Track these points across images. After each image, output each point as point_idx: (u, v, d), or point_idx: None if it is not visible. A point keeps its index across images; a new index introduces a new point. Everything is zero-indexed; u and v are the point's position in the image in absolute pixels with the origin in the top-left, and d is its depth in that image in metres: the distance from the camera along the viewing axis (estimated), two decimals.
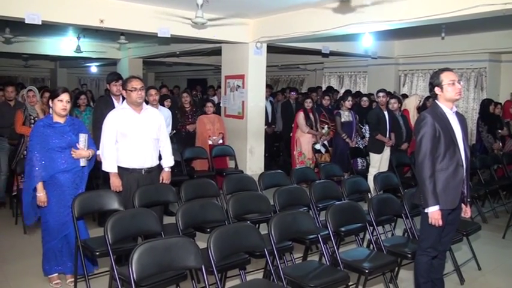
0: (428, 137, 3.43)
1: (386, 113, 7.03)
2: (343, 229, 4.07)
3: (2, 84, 7.32)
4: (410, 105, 7.96)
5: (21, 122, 5.86)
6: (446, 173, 3.46)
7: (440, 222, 3.41)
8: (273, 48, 9.16)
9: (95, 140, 4.45)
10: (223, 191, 4.80)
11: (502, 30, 8.62)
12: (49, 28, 7.50)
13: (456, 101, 3.65)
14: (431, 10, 5.57)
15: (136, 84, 4.25)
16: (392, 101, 7.26)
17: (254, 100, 8.38)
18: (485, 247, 5.39)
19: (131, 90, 4.24)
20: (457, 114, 3.63)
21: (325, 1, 6.12)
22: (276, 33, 7.72)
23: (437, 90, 3.55)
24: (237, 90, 8.47)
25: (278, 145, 9.92)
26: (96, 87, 18.10)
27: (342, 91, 11.23)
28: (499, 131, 8.25)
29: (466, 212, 3.75)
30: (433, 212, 3.40)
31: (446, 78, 3.51)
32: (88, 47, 11.36)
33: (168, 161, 4.58)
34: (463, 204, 3.67)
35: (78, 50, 10.69)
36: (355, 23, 6.34)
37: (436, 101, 3.60)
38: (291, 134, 8.29)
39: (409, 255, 3.83)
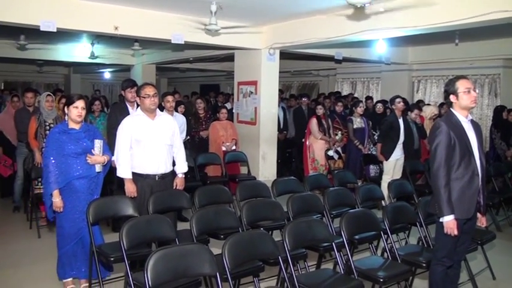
0: (443, 146, 3.41)
1: (401, 120, 6.99)
2: (357, 237, 4.05)
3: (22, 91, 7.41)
4: (426, 113, 7.92)
5: (33, 131, 5.89)
6: (462, 182, 3.44)
7: (456, 232, 3.38)
8: (285, 54, 9.17)
9: (109, 146, 4.49)
10: (236, 198, 4.80)
11: None
12: (63, 34, 7.58)
13: (471, 109, 3.63)
14: (445, 17, 5.53)
15: (149, 90, 4.30)
16: (414, 113, 7.39)
17: (267, 106, 8.39)
18: (499, 256, 5.32)
19: (145, 97, 4.29)
20: (472, 122, 3.61)
21: (339, 8, 6.11)
22: (289, 39, 7.73)
23: (452, 98, 3.53)
24: (249, 96, 8.49)
25: (290, 151, 9.91)
26: (109, 93, 18.20)
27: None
28: None
29: (482, 221, 3.72)
30: (448, 222, 3.38)
31: (461, 86, 3.49)
32: (102, 53, 11.45)
33: (182, 167, 4.61)
34: (478, 213, 3.64)
35: (92, 56, 10.79)
36: (368, 30, 6.33)
37: (451, 109, 3.59)
38: (304, 140, 8.28)
39: (424, 265, 3.80)
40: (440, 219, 3.43)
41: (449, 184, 3.40)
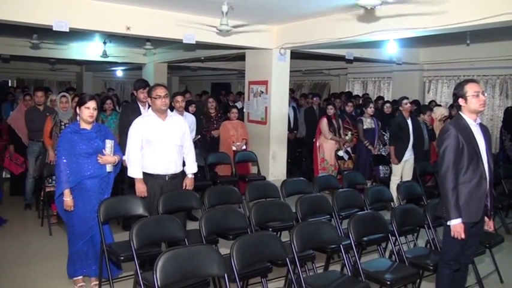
0: (451, 149, 3.42)
1: (410, 121, 6.98)
2: (365, 239, 4.07)
3: (33, 90, 7.49)
4: (436, 114, 7.90)
5: (49, 131, 5.96)
6: (470, 185, 3.45)
7: (463, 236, 3.40)
8: (296, 54, 9.18)
9: (121, 145, 4.55)
10: (245, 198, 4.84)
11: None
12: (76, 33, 7.67)
13: (480, 113, 3.63)
14: (455, 19, 5.51)
15: (160, 91, 4.35)
16: (426, 115, 7.42)
17: (277, 106, 8.41)
18: (508, 259, 5.32)
19: (156, 98, 4.34)
20: (481, 125, 3.61)
21: (349, 9, 6.11)
22: (299, 39, 7.74)
23: (461, 101, 3.54)
24: (260, 95, 8.52)
25: (301, 151, 9.92)
26: (121, 91, 18.30)
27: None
28: None
29: (489, 225, 3.75)
30: (456, 225, 3.40)
31: (470, 89, 3.50)
32: (114, 51, 11.54)
33: (192, 168, 4.66)
34: (485, 217, 3.65)
35: (104, 55, 10.87)
36: (379, 31, 6.32)
37: (460, 112, 3.60)
38: (314, 140, 8.29)
39: (431, 267, 3.82)
40: (448, 223, 3.44)
41: (457, 187, 3.41)
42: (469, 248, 3.65)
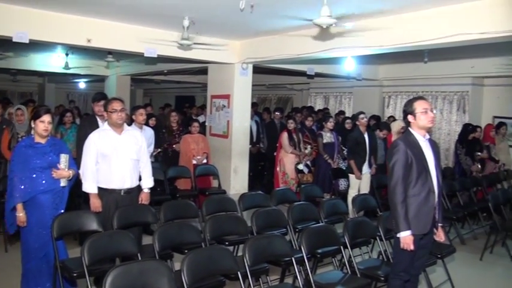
0: (400, 164, 3.53)
1: (366, 135, 7.15)
2: (319, 251, 4.14)
3: None
4: (393, 128, 8.10)
5: (6, 142, 5.85)
6: (418, 198, 3.55)
7: (412, 247, 3.49)
8: (260, 68, 9.29)
9: (78, 159, 4.50)
10: (202, 212, 4.85)
11: (484, 56, 8.79)
12: (37, 45, 7.56)
13: (429, 129, 3.76)
14: (410, 38, 5.71)
15: (116, 105, 4.33)
16: (382, 133, 7.65)
17: (239, 120, 8.47)
18: (461, 269, 5.47)
19: (112, 112, 4.33)
20: (430, 141, 3.74)
21: (307, 27, 6.24)
22: (261, 54, 7.84)
23: (410, 118, 3.67)
24: (222, 109, 8.57)
25: (263, 164, 9.98)
26: (84, 103, 18.07)
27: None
28: (479, 153, 8.37)
29: (439, 235, 3.84)
30: (405, 237, 3.49)
31: (419, 106, 3.63)
32: (76, 63, 11.41)
33: (148, 182, 4.62)
34: (434, 229, 3.76)
35: (66, 66, 10.74)
36: (336, 48, 6.49)
37: (409, 128, 3.72)
38: (275, 154, 8.37)
39: (382, 278, 3.90)
40: (397, 235, 3.53)
41: (406, 201, 3.52)
42: (419, 259, 3.75)
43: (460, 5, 5.20)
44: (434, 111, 3.74)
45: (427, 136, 3.71)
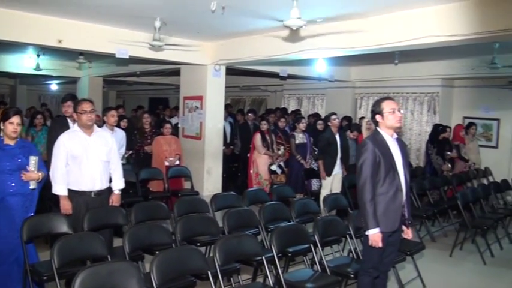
0: (368, 163, 3.59)
1: (337, 136, 7.24)
2: (290, 250, 4.18)
3: None
4: (362, 128, 8.22)
5: None
6: (387, 197, 3.61)
7: (380, 244, 3.56)
8: (234, 70, 9.30)
9: (49, 162, 4.45)
10: (173, 213, 4.84)
11: (454, 58, 8.96)
12: (8, 46, 7.47)
13: (397, 128, 3.82)
14: (381, 40, 5.81)
15: (86, 107, 4.30)
16: (352, 134, 7.77)
17: (212, 121, 8.48)
18: (431, 265, 5.60)
19: (81, 113, 4.29)
20: (398, 140, 3.80)
21: (278, 29, 6.27)
22: (234, 56, 7.87)
23: (378, 117, 3.73)
24: (195, 111, 8.56)
25: (237, 166, 10.00)
26: (56, 105, 17.78)
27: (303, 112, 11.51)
28: (448, 153, 8.54)
29: (407, 233, 3.91)
30: (373, 235, 3.55)
31: (387, 106, 3.69)
32: (48, 65, 11.25)
33: (118, 184, 4.60)
34: (404, 226, 3.83)
35: (37, 68, 10.58)
36: (307, 49, 6.55)
37: (377, 128, 3.78)
38: (248, 155, 8.40)
39: (352, 275, 3.96)
40: (366, 232, 3.60)
41: (374, 199, 3.58)
42: (388, 256, 3.82)
43: (430, 8, 5.30)
44: (402, 111, 3.81)
45: (395, 136, 3.78)
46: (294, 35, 6.32)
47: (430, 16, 5.34)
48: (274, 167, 8.00)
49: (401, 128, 9.68)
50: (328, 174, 7.17)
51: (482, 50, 7.47)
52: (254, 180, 8.08)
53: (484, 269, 5.75)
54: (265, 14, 5.55)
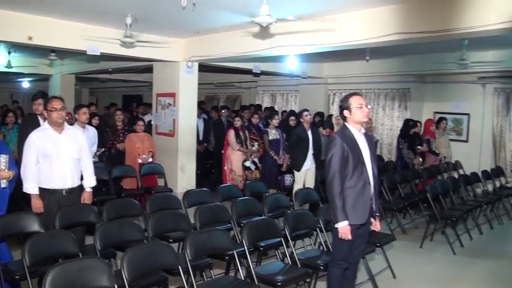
0: (337, 157, 3.66)
1: (309, 132, 7.33)
2: (262, 244, 4.25)
3: None
4: (335, 124, 8.35)
5: None
6: (355, 190, 3.70)
7: (350, 237, 3.64)
8: (208, 67, 9.30)
9: (21, 160, 4.42)
10: (146, 210, 4.85)
11: (425, 54, 9.09)
12: None
13: (364, 123, 3.91)
14: (350, 37, 5.92)
15: (56, 104, 4.29)
16: (325, 131, 7.92)
17: (185, 118, 8.48)
18: (402, 256, 5.72)
19: (51, 111, 4.27)
20: (366, 135, 3.89)
21: (248, 25, 6.29)
22: (206, 52, 7.88)
23: (346, 113, 3.81)
24: (168, 108, 8.55)
25: (211, 162, 10.02)
26: (28, 103, 17.46)
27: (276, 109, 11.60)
28: (419, 147, 8.71)
29: (375, 225, 4.00)
30: (343, 227, 3.64)
31: (354, 102, 3.77)
32: (19, 62, 11.05)
33: (90, 182, 4.60)
34: (372, 219, 3.92)
35: (8, 65, 10.39)
36: (278, 46, 6.62)
37: (345, 123, 3.86)
38: (222, 152, 8.43)
39: (322, 267, 4.04)
40: (336, 225, 3.68)
41: (343, 192, 3.66)
42: (357, 248, 3.90)
43: (398, 5, 5.41)
44: (369, 107, 3.90)
45: (363, 130, 3.86)
46: (265, 32, 6.37)
47: (398, 13, 5.44)
48: (248, 163, 8.04)
49: (373, 123, 9.86)
50: (298, 169, 7.26)
51: (452, 47, 7.62)
52: (228, 177, 8.11)
53: (453, 259, 5.89)
54: (235, 11, 5.59)
